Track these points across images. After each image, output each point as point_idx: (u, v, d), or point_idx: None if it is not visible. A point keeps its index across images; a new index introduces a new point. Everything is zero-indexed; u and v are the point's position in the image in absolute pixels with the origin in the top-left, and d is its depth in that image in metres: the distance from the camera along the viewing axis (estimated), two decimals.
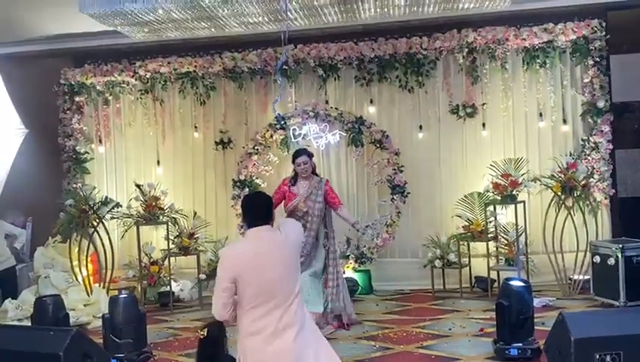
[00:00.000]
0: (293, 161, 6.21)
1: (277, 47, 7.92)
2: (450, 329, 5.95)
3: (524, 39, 7.55)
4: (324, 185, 6.18)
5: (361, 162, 8.07)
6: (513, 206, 7.01)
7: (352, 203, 8.07)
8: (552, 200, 6.99)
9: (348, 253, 7.73)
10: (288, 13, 6.68)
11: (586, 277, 6.85)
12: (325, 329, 6.14)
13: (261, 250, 3.29)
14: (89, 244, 7.44)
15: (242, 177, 8.11)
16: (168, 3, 5.97)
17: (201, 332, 3.97)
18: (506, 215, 7.37)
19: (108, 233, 7.63)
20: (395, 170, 7.83)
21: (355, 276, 7.66)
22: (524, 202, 7.08)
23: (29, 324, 5.93)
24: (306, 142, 7.75)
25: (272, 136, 8.07)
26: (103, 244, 7.57)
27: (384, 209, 7.93)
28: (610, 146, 7.46)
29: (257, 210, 3.39)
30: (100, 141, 8.65)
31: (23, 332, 4.70)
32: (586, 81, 7.56)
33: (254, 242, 3.33)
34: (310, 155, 6.25)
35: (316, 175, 6.33)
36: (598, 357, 3.82)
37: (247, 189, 8.05)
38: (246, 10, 6.31)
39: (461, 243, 7.39)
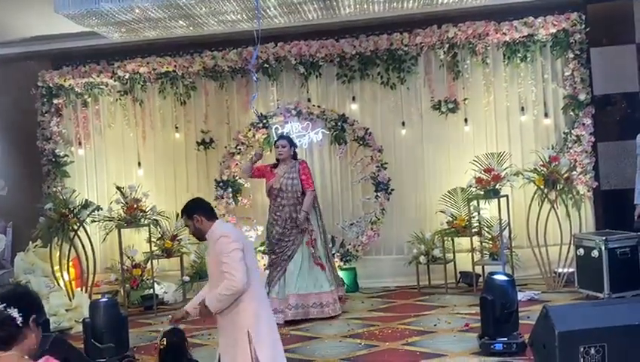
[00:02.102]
0: (275, 144, 6.72)
1: (258, 46, 7.86)
2: (435, 325, 5.93)
3: (505, 33, 7.55)
4: (298, 164, 6.57)
5: (345, 160, 8.04)
6: (496, 200, 7.01)
7: (336, 201, 8.04)
8: (535, 193, 6.99)
9: (333, 251, 7.70)
10: (267, 11, 6.64)
11: (571, 269, 6.86)
12: (334, 308, 6.43)
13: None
14: (70, 248, 7.33)
15: (225, 177, 8.04)
16: (144, 2, 5.90)
17: (161, 343, 3.92)
18: (489, 209, 7.36)
19: (89, 237, 7.53)
20: (378, 167, 7.81)
21: (341, 274, 7.62)
22: (507, 196, 7.08)
23: None
24: None
25: (254, 136, 8.01)
26: (84, 248, 7.46)
27: (368, 206, 7.90)
28: (593, 139, 7.48)
29: (211, 208, 3.96)
30: (80, 143, 8.53)
31: None
32: (566, 74, 7.57)
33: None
34: (291, 142, 6.69)
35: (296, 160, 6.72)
36: (582, 349, 3.81)
37: (230, 189, 7.99)
38: (223, 7, 6.25)
39: (445, 238, 7.38)
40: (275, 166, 6.64)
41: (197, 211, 3.86)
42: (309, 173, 6.64)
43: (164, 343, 3.91)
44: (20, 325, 2.25)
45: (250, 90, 8.16)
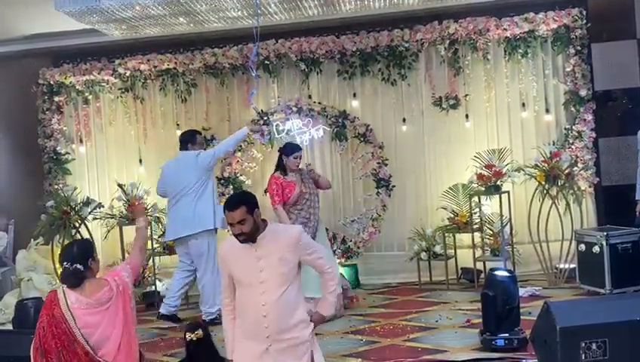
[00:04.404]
0: (288, 155, 6.33)
1: (258, 43, 7.86)
2: (436, 321, 5.94)
3: (506, 29, 7.53)
4: (305, 172, 6.47)
5: (346, 156, 8.03)
6: (498, 196, 7.01)
7: (337, 197, 8.03)
8: (536, 189, 6.98)
9: (334, 248, 7.70)
10: (268, 7, 6.64)
11: (572, 265, 6.86)
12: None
13: None
14: None
15: (226, 174, 8.04)
16: None
17: (194, 335, 3.81)
18: (490, 205, 7.36)
19: (90, 234, 7.49)
20: (379, 163, 7.80)
21: (342, 270, 7.62)
22: (508, 192, 7.08)
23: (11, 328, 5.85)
24: (289, 138, 7.70)
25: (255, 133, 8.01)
26: None
27: (369, 203, 7.90)
28: (594, 135, 7.47)
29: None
30: (81, 141, 8.53)
31: (2, 336, 4.63)
32: (567, 70, 7.56)
33: None
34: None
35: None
36: (583, 345, 3.81)
37: (231, 187, 7.99)
38: (224, 4, 6.25)
39: (447, 234, 7.38)
40: (282, 173, 6.37)
41: (257, 205, 3.37)
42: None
43: (199, 335, 3.80)
44: (83, 270, 3.50)
45: (251, 87, 8.17)
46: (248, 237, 3.31)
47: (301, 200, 6.29)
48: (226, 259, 3.44)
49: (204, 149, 6.80)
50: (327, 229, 6.82)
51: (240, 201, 3.34)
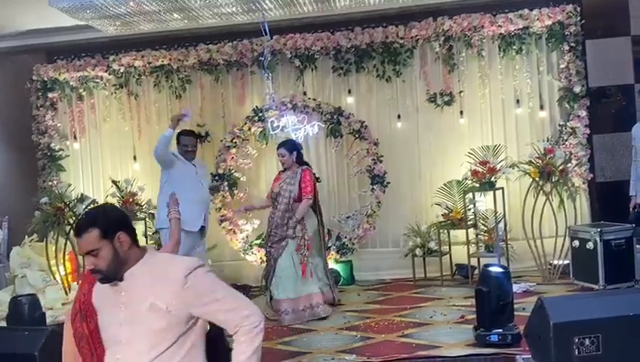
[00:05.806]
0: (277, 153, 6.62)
1: (253, 39, 7.86)
2: (431, 317, 5.95)
3: (500, 26, 7.55)
4: (300, 172, 6.41)
5: (341, 153, 8.03)
6: (492, 193, 7.03)
7: (332, 194, 8.04)
8: (530, 186, 7.00)
9: (329, 245, 7.71)
10: (263, 4, 6.63)
11: (566, 261, 6.89)
12: (322, 309, 6.26)
13: None
14: (66, 242, 7.32)
15: (221, 171, 8.03)
16: None
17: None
18: (485, 202, 7.38)
19: None
20: (374, 160, 7.80)
21: (337, 267, 7.64)
22: (502, 189, 7.10)
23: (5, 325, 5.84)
24: (284, 135, 7.69)
25: (250, 129, 8.00)
26: None
27: (364, 199, 7.91)
28: (588, 131, 7.50)
29: (133, 227, 2.66)
30: (75, 137, 8.51)
31: None
32: (562, 66, 7.58)
33: None
34: (290, 149, 6.45)
35: (306, 164, 6.60)
36: (577, 340, 3.83)
37: (226, 183, 7.99)
38: (218, 0, 6.23)
39: (441, 231, 7.39)
40: (284, 169, 6.56)
41: (121, 226, 2.37)
42: (309, 181, 6.38)
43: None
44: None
45: (246, 84, 8.17)
46: (107, 277, 2.34)
47: (272, 199, 6.47)
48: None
49: (190, 148, 6.65)
50: (321, 234, 6.70)
51: (89, 222, 2.34)
